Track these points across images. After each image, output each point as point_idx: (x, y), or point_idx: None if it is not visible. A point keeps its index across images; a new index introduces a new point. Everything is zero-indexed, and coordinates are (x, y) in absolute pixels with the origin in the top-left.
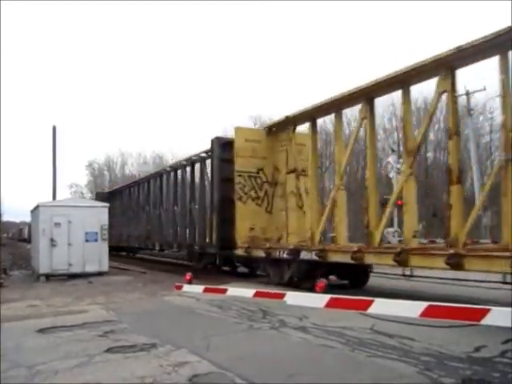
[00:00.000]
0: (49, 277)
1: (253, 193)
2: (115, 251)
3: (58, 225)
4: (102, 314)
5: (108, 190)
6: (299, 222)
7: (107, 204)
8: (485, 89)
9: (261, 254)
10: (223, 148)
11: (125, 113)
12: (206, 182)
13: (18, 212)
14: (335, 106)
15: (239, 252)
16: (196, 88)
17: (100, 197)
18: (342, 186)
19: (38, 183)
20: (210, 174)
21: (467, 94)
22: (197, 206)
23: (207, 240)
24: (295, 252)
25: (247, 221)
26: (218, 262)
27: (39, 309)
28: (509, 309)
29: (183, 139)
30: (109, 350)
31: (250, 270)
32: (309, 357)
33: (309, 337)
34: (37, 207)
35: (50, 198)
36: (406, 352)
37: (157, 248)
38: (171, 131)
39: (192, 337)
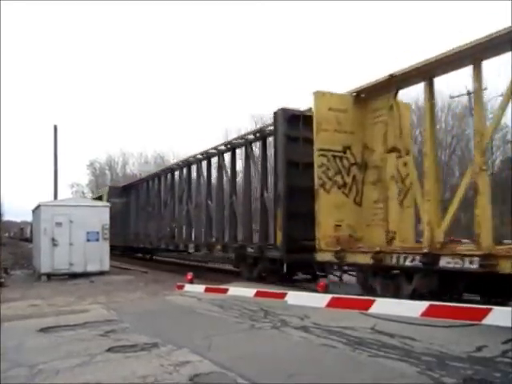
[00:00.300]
0: (50, 276)
1: (339, 178)
2: (129, 252)
3: (59, 224)
4: (104, 314)
5: (123, 184)
6: (400, 216)
7: (108, 204)
8: (486, 88)
9: (365, 260)
10: (290, 123)
11: (126, 112)
12: (253, 169)
13: (18, 211)
14: (470, 56)
15: (325, 256)
16: (197, 88)
17: (113, 191)
18: (485, 166)
19: (39, 183)
20: (261, 159)
21: (468, 93)
22: (239, 200)
23: (256, 241)
24: (431, 259)
25: (332, 215)
26: (286, 269)
27: (40, 308)
28: (510, 308)
29: (184, 139)
30: (110, 350)
31: (312, 276)
32: (310, 356)
33: (310, 336)
34: (38, 207)
35: (52, 198)
36: (408, 352)
37: (190, 250)
38: (172, 131)
39: (193, 336)
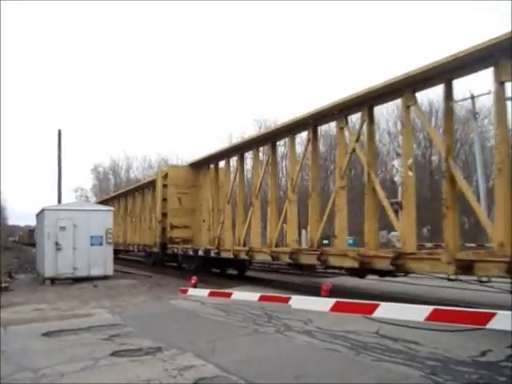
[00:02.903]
0: (54, 280)
1: None
2: None
3: (63, 228)
4: (108, 318)
5: None
6: None
7: (112, 208)
8: (490, 92)
9: None
10: None
11: (130, 116)
12: None
13: (23, 216)
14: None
15: None
16: (200, 91)
17: None
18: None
19: (43, 187)
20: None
21: (472, 97)
22: None
23: None
24: None
25: None
26: None
27: (44, 312)
28: None
29: (188, 143)
30: (114, 354)
31: None
32: (314, 361)
33: (314, 341)
34: (42, 211)
35: (56, 202)
36: (412, 356)
37: None
38: (176, 135)
39: (197, 340)
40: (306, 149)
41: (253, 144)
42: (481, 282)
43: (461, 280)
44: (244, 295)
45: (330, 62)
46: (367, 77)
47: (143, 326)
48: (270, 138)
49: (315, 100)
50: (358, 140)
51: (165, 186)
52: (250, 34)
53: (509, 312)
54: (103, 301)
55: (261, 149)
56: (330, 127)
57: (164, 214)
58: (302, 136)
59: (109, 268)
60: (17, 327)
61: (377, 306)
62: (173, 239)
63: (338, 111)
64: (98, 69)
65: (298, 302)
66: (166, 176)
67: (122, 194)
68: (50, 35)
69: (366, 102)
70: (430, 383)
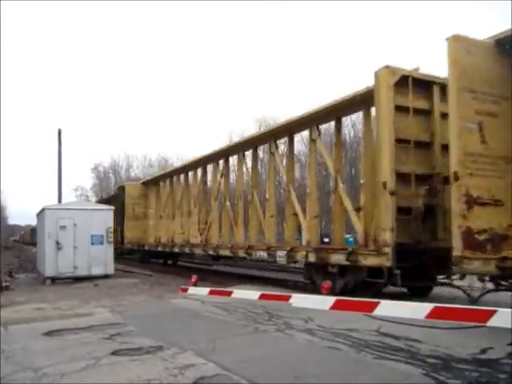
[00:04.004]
0: (55, 280)
1: None
2: None
3: (63, 228)
4: (108, 317)
5: None
6: None
7: (112, 207)
8: None
9: None
10: None
11: (130, 115)
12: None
13: (23, 215)
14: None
15: None
16: (201, 90)
17: None
18: None
19: (43, 187)
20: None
21: None
22: None
23: None
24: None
25: None
26: None
27: (45, 312)
28: None
29: (188, 142)
30: (115, 353)
31: None
32: (315, 359)
33: (315, 339)
34: (42, 210)
35: (56, 202)
36: (413, 354)
37: None
38: (176, 134)
39: (198, 339)
40: None
41: None
42: None
43: None
44: (244, 293)
45: (329, 61)
46: (367, 75)
47: (144, 324)
48: None
49: (314, 99)
50: None
51: (398, 108)
52: (250, 33)
53: (509, 310)
54: (104, 300)
55: None
56: None
57: (401, 176)
58: None
59: (109, 267)
60: (17, 326)
61: (377, 304)
62: (473, 234)
63: None
64: (98, 68)
65: (299, 300)
66: (400, 84)
67: (192, 164)
68: (51, 35)
69: None
70: (430, 381)
